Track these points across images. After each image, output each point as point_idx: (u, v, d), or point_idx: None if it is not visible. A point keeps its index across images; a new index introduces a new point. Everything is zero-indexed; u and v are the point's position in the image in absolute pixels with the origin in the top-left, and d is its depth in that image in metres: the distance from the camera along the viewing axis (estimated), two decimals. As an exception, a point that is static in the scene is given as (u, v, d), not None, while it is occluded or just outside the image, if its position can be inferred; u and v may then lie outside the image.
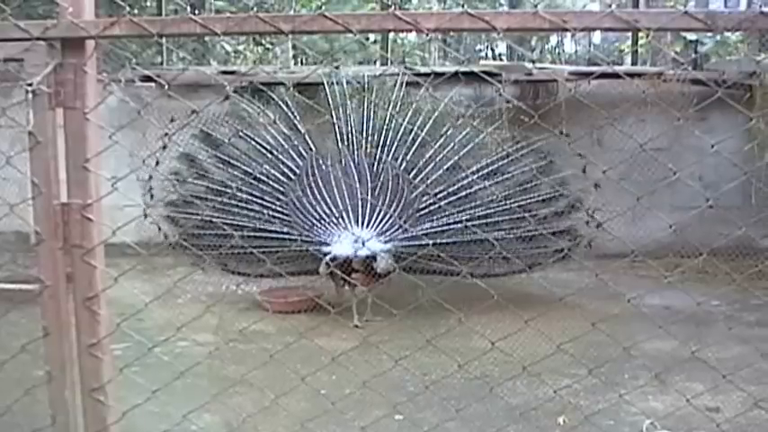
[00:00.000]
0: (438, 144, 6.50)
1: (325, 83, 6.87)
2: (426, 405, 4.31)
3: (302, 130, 6.71)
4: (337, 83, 6.89)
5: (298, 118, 6.78)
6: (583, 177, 6.50)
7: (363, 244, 5.85)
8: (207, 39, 11.40)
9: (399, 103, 6.77)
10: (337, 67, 7.59)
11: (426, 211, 6.27)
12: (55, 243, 2.24)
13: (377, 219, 6.10)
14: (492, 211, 6.30)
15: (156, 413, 3.40)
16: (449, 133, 6.55)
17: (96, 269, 2.27)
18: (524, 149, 6.58)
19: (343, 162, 6.47)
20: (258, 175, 6.53)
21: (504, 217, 6.30)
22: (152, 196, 6.98)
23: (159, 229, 6.84)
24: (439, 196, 6.27)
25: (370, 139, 6.57)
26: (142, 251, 3.25)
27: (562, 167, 6.65)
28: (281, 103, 6.87)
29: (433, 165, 6.44)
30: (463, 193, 6.34)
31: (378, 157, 6.47)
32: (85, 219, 2.24)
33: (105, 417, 2.34)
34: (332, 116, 6.68)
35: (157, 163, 6.79)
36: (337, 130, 6.64)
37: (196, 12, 12.70)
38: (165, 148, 6.76)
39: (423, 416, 4.24)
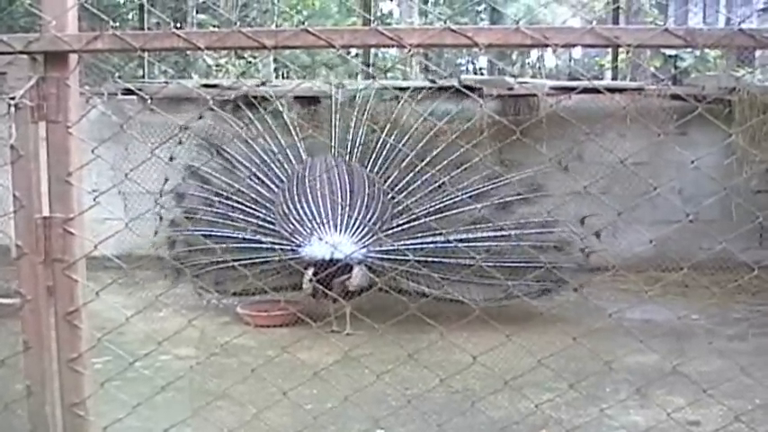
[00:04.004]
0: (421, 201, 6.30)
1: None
2: (408, 419, 4.30)
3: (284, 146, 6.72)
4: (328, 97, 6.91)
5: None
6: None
7: (336, 247, 5.86)
8: (189, 52, 11.39)
9: (382, 118, 6.73)
10: (342, 85, 7.50)
11: (405, 229, 6.18)
12: (36, 257, 2.24)
13: (355, 227, 6.07)
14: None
15: (137, 428, 3.37)
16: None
17: (77, 283, 2.27)
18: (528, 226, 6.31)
19: (324, 172, 6.42)
20: (239, 190, 6.53)
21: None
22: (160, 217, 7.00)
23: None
24: (420, 227, 6.10)
25: (353, 151, 6.57)
26: (123, 265, 3.23)
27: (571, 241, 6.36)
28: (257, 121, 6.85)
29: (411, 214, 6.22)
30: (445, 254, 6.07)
31: (359, 169, 6.42)
32: (67, 232, 2.23)
33: (86, 432, 2.33)
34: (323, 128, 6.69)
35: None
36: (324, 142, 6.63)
37: (178, 25, 12.70)
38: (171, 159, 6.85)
39: (404, 430, 4.23)
